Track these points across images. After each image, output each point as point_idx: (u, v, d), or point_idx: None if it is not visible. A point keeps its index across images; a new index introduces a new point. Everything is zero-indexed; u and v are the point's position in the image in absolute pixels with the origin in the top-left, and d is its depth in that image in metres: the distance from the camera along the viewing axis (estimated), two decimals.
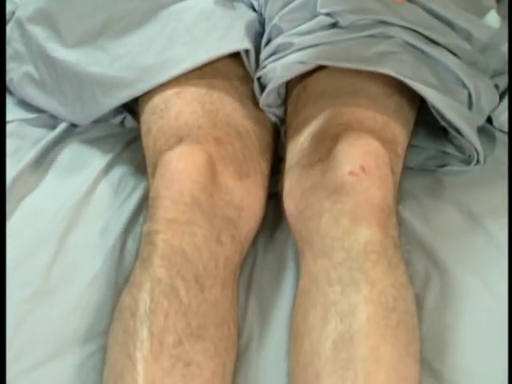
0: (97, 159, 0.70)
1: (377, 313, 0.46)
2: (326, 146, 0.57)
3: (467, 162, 0.66)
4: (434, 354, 0.51)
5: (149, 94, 0.63)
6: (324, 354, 0.46)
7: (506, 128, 0.68)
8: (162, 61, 0.62)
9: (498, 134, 0.69)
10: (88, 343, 0.53)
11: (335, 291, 0.48)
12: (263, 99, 0.65)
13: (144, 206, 0.64)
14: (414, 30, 0.62)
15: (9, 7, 0.76)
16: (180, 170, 0.53)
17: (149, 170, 0.61)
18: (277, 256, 0.60)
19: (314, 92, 0.64)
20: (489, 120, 0.70)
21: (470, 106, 0.64)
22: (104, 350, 0.49)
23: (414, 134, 0.64)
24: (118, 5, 0.67)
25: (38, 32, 0.70)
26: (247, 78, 0.67)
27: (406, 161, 0.62)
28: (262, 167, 0.61)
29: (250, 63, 0.67)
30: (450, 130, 0.64)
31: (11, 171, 0.66)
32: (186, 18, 0.64)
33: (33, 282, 0.58)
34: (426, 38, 0.62)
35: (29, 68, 0.72)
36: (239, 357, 0.51)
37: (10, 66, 0.73)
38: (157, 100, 0.62)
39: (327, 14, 0.62)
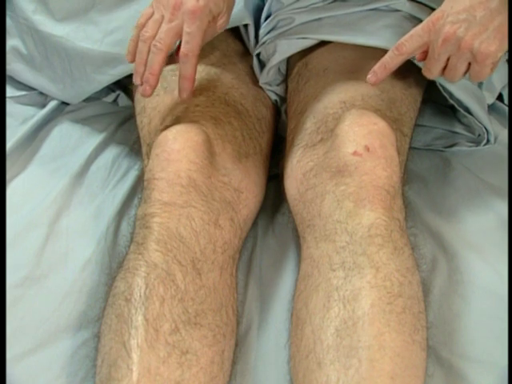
0: (89, 139, 0.69)
1: (381, 298, 0.45)
2: (328, 125, 0.55)
3: (477, 141, 0.65)
4: (441, 342, 0.50)
5: None
6: (326, 341, 0.44)
7: None
8: None
9: None
10: (81, 330, 0.52)
11: (338, 276, 0.46)
12: (263, 77, 0.63)
13: (138, 187, 0.62)
14: (421, 3, 0.60)
15: None
16: (176, 150, 0.51)
17: (143, 150, 0.59)
18: (277, 240, 0.59)
19: (316, 69, 0.62)
20: (500, 98, 0.68)
21: (480, 83, 0.62)
22: (97, 337, 0.47)
23: (420, 113, 0.63)
24: None
25: (25, 4, 0.67)
26: (246, 55, 0.66)
27: (412, 141, 0.60)
28: (261, 147, 0.59)
29: (250, 39, 0.65)
30: (459, 108, 0.62)
31: None
32: None
33: (23, 266, 0.56)
34: (433, 10, 0.60)
35: (16, 42, 0.70)
36: (238, 344, 0.50)
37: None
38: None
39: None
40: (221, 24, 0.54)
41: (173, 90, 0.59)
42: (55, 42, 0.66)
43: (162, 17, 0.51)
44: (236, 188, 0.54)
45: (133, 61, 0.53)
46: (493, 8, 0.48)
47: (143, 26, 0.52)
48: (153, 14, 0.52)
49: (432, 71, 0.52)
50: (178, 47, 0.52)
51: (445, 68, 0.52)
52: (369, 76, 0.52)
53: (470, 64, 0.50)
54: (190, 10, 0.50)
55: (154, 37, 0.51)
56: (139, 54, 0.52)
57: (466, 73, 0.51)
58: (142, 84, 0.52)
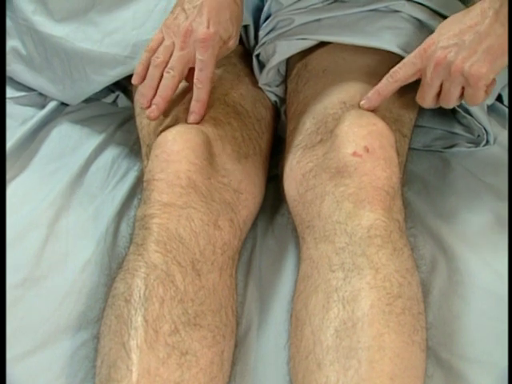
0: (88, 140, 0.69)
1: (381, 299, 0.45)
2: (327, 125, 0.55)
3: (476, 142, 0.65)
4: (440, 343, 0.50)
5: None
6: (326, 342, 0.44)
7: None
8: None
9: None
10: (80, 331, 0.52)
11: (337, 277, 0.46)
12: (262, 78, 0.63)
13: (138, 188, 0.62)
14: (421, 4, 0.60)
15: None
16: (176, 151, 0.51)
17: (143, 151, 0.59)
18: (277, 241, 0.59)
19: (316, 69, 0.62)
20: (499, 98, 0.68)
21: None
22: (97, 338, 0.47)
23: (420, 114, 0.63)
24: None
25: (25, 4, 0.67)
26: (246, 55, 0.66)
27: (412, 141, 0.60)
28: (261, 148, 0.59)
29: (249, 39, 0.65)
30: (458, 109, 0.62)
31: None
32: None
33: (23, 267, 0.56)
34: (433, 11, 0.60)
35: (15, 43, 0.71)
36: (238, 345, 0.50)
37: None
38: None
39: None
40: (231, 45, 0.56)
41: None
42: (55, 42, 0.66)
43: (173, 43, 0.53)
44: (235, 189, 0.54)
45: (140, 83, 0.55)
46: (481, 32, 0.49)
47: (154, 50, 0.54)
48: (163, 39, 0.54)
49: (425, 98, 0.53)
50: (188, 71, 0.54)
51: (439, 95, 0.53)
52: (362, 102, 0.54)
53: (463, 89, 0.51)
54: (200, 38, 0.52)
55: (165, 62, 0.53)
56: (150, 78, 0.54)
57: (461, 98, 0.53)
58: (148, 107, 0.54)
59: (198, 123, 0.54)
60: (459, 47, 0.49)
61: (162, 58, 0.53)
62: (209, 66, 0.53)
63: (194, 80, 0.53)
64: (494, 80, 0.51)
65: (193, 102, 0.54)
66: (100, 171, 0.65)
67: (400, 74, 0.53)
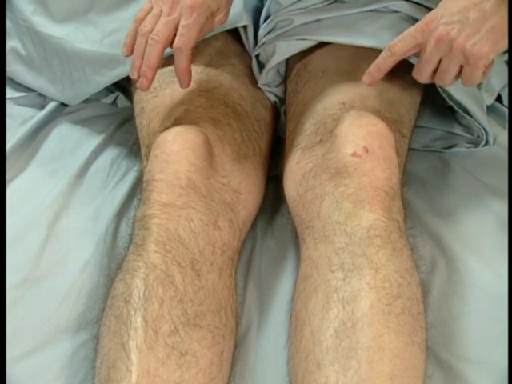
0: (88, 140, 0.69)
1: (380, 299, 0.45)
2: (327, 126, 0.55)
3: (475, 142, 0.65)
4: (440, 343, 0.50)
5: None
6: (325, 342, 0.44)
7: None
8: None
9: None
10: (80, 332, 0.52)
11: (337, 277, 0.46)
12: (262, 78, 0.63)
13: (138, 189, 0.62)
14: (420, 4, 0.60)
15: None
16: (176, 151, 0.51)
17: (142, 151, 0.59)
18: (276, 241, 0.59)
19: (315, 70, 0.62)
20: (499, 99, 0.68)
21: (479, 84, 0.62)
22: (96, 338, 0.47)
23: (420, 114, 0.63)
24: None
25: (24, 5, 0.67)
26: (245, 56, 0.66)
27: (411, 142, 0.60)
28: (260, 148, 0.59)
29: (249, 40, 0.65)
30: (458, 109, 0.62)
31: None
32: None
33: (23, 267, 0.56)
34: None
35: (15, 44, 0.71)
36: (237, 345, 0.50)
37: None
38: None
39: None
40: (219, 19, 0.54)
41: (172, 91, 0.59)
42: (54, 43, 0.66)
43: (161, 11, 0.51)
44: (235, 189, 0.54)
45: (129, 54, 0.53)
46: (486, 10, 0.48)
47: (141, 20, 0.52)
48: (151, 8, 0.52)
49: (422, 73, 0.52)
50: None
51: (436, 71, 0.51)
52: (364, 77, 0.53)
53: (461, 68, 0.50)
54: (188, 5, 0.50)
55: (152, 31, 0.51)
56: (137, 47, 0.52)
57: (457, 77, 0.51)
58: (138, 78, 0.52)
59: (187, 87, 0.53)
60: (462, 24, 0.48)
61: (149, 26, 0.51)
62: (191, 31, 0.50)
63: (174, 46, 0.51)
64: (492, 61, 0.49)
65: (177, 72, 0.52)
66: (100, 171, 0.65)
67: (398, 47, 0.51)
